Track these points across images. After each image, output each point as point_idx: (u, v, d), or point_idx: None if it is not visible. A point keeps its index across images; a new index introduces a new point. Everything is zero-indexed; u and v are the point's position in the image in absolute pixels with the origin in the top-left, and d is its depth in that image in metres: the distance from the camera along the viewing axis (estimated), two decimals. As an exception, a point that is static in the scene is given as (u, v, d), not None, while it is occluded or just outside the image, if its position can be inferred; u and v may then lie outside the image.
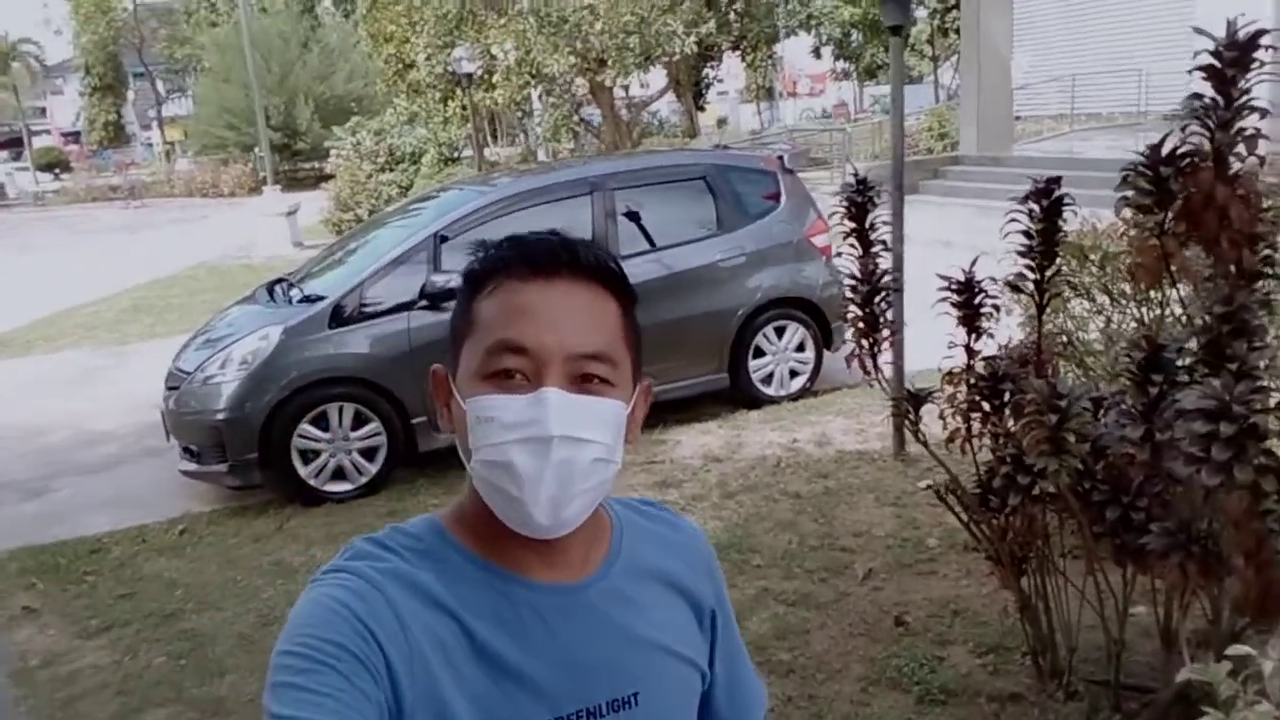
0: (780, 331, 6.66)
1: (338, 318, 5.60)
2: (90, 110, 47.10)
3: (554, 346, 0.90)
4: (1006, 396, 2.70)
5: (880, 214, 3.09)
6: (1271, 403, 2.09)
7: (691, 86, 29.70)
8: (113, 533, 5.36)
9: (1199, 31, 2.11)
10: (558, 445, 0.88)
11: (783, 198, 6.78)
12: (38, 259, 19.19)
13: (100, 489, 6.15)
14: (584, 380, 0.91)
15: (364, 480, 5.59)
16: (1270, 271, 2.23)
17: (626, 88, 26.20)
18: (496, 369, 0.91)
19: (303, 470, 5.47)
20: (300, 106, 33.51)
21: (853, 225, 2.91)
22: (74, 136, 52.93)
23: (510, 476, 0.89)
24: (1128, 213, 2.49)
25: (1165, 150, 2.26)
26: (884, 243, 2.97)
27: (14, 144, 48.71)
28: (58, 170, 43.13)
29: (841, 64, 37.31)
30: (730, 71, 30.99)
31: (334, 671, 0.84)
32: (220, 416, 5.40)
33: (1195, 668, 1.54)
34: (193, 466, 5.58)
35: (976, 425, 2.80)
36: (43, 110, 55.77)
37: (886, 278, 2.92)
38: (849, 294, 2.93)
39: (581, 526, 0.95)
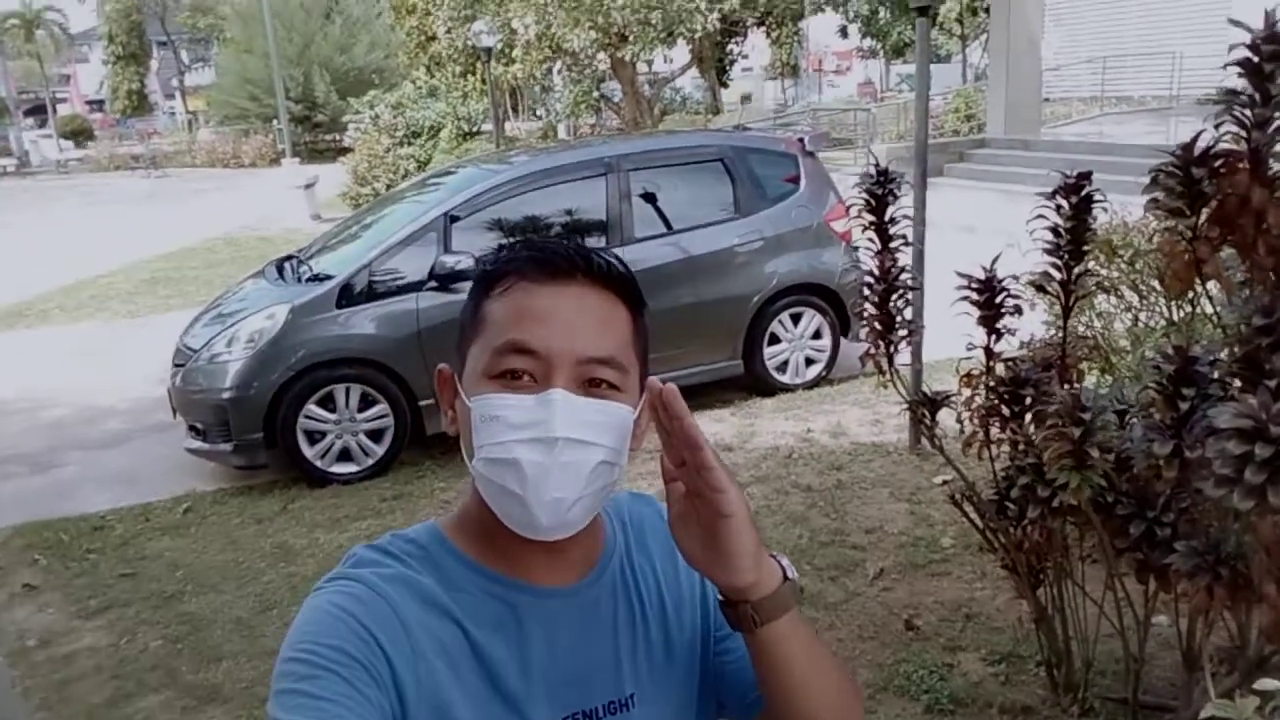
0: (796, 318, 6.53)
1: (346, 297, 5.52)
2: (114, 79, 47.00)
3: (564, 350, 0.90)
4: (1028, 401, 2.57)
5: (901, 206, 2.96)
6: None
7: (715, 63, 29.35)
8: (117, 510, 5.34)
9: (1235, 23, 1.97)
10: (563, 447, 0.88)
11: (802, 181, 6.62)
12: (59, 227, 19.23)
13: (107, 465, 6.13)
14: (592, 384, 0.91)
15: (370, 462, 5.54)
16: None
17: (649, 63, 25.95)
18: (505, 369, 0.91)
19: (309, 451, 5.42)
20: (318, 78, 33.35)
21: (871, 219, 2.78)
22: (97, 105, 52.99)
23: (515, 475, 0.88)
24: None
25: (1198, 149, 2.12)
26: (904, 237, 2.84)
27: (38, 112, 48.85)
28: (81, 138, 43.19)
29: (868, 42, 36.73)
30: (755, 47, 30.59)
31: (337, 677, 0.84)
32: (226, 395, 5.34)
33: (1220, 703, 1.45)
34: (198, 445, 5.53)
35: (995, 430, 2.68)
36: (67, 78, 55.84)
37: (905, 275, 2.79)
38: (865, 292, 2.80)
39: (581, 529, 0.95)
